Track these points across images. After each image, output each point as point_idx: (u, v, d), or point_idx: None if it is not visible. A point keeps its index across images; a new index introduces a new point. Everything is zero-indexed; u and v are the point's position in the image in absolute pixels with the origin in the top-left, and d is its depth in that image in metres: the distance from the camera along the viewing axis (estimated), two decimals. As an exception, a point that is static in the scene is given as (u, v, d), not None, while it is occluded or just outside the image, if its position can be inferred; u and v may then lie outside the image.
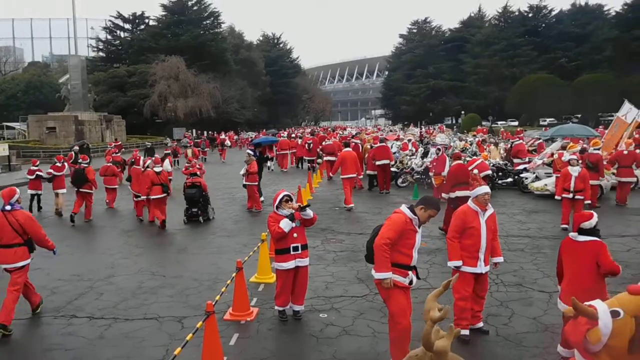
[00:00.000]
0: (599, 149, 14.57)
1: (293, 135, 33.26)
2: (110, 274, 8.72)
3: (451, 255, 5.81)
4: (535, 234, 10.97)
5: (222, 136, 44.07)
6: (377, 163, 17.02)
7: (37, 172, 14.80)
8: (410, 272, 5.07)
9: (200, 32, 65.84)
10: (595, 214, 5.12)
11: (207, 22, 69.83)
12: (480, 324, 6.02)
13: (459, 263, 5.73)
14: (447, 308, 2.37)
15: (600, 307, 2.50)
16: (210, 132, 55.39)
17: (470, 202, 5.90)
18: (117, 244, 11.04)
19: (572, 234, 5.15)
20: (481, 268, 5.74)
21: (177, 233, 11.99)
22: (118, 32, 71.69)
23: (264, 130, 54.63)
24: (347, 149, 15.64)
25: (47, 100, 55.88)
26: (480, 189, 5.86)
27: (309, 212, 6.27)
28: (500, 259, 6.08)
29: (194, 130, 56.10)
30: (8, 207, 6.65)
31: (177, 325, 6.42)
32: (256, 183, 14.67)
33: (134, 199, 14.06)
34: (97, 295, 7.63)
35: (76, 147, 23.81)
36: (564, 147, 16.91)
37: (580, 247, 5.02)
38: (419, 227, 5.08)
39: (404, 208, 5.11)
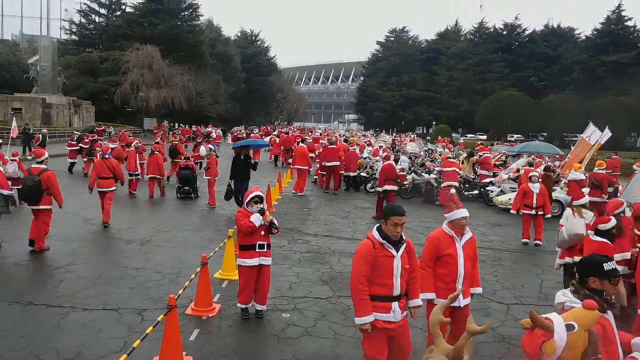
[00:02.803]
0: (603, 169, 14.98)
1: (275, 133, 34.81)
2: (70, 261, 8.53)
3: (423, 287, 4.93)
4: (497, 247, 11.20)
5: (209, 128, 44.96)
6: (327, 164, 17.76)
7: (74, 147, 20.99)
8: (394, 304, 4.34)
9: (178, 23, 64.81)
10: (613, 219, 6.19)
11: (185, 13, 68.82)
12: None
13: (431, 296, 5.02)
14: (490, 322, 2.29)
15: (556, 320, 2.59)
16: (182, 124, 54.69)
17: (444, 226, 5.15)
18: (78, 232, 10.79)
19: (590, 232, 6.21)
20: (458, 301, 4.91)
21: (142, 224, 11.81)
22: (93, 16, 70.01)
23: (259, 129, 52.85)
24: (302, 144, 18.83)
25: (14, 80, 54.06)
26: (457, 213, 5.06)
27: (274, 231, 6.42)
28: (478, 290, 5.35)
29: (165, 122, 55.20)
30: (107, 156, 11.64)
31: (137, 317, 6.33)
32: (215, 178, 14.63)
33: (131, 178, 15.89)
34: (56, 283, 7.46)
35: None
36: (530, 164, 17.35)
37: (592, 245, 6.17)
38: (396, 251, 4.31)
39: (374, 231, 4.39)
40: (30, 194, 8.87)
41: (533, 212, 11.51)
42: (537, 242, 11.53)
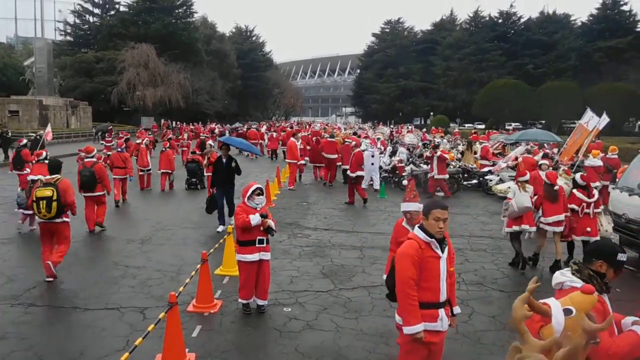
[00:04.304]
0: (616, 155, 15.77)
1: (263, 128, 35.35)
2: (71, 262, 8.53)
3: (387, 268, 5.24)
4: (497, 235, 11.18)
5: (212, 125, 46.45)
6: (326, 156, 18.04)
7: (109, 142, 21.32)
8: (441, 311, 4.00)
9: (172, 21, 64.71)
10: None
11: (179, 10, 68.65)
12: None
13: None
14: (611, 318, 2.11)
15: (554, 305, 2.59)
16: (178, 122, 54.62)
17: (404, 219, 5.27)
18: (78, 232, 10.77)
19: None
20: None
21: (142, 223, 11.82)
22: (87, 16, 69.92)
23: (258, 124, 51.94)
24: (293, 139, 19.01)
25: (10, 82, 54.02)
26: (406, 205, 5.09)
27: (275, 230, 6.42)
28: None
29: (167, 121, 55.14)
30: (120, 149, 14.80)
31: (139, 315, 6.35)
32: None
33: (142, 173, 17.16)
34: (57, 284, 7.47)
35: None
36: (528, 152, 17.37)
37: None
38: (442, 251, 3.99)
39: (416, 230, 4.06)
40: (87, 184, 10.66)
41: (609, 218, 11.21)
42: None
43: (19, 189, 11.22)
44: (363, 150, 16.05)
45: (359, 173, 14.94)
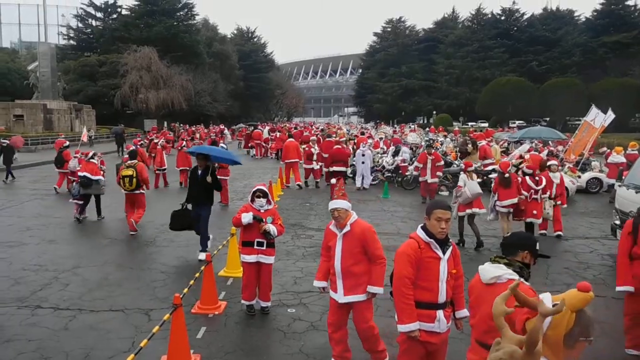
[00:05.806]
0: (636, 150, 16.10)
1: (278, 130, 36.11)
2: (76, 264, 8.58)
3: (317, 275, 5.28)
4: (501, 234, 11.13)
5: (221, 126, 47.36)
6: (324, 156, 18.01)
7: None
8: (438, 312, 3.97)
9: (174, 23, 64.86)
10: None
11: (181, 13, 68.82)
12: None
13: (322, 284, 5.12)
14: (564, 302, 2.16)
15: (546, 298, 2.58)
16: (180, 124, 54.81)
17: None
18: (83, 235, 10.86)
19: None
20: (339, 296, 4.80)
21: (145, 226, 11.83)
22: (89, 20, 70.10)
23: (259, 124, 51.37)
24: (291, 139, 19.15)
25: (14, 87, 54.14)
26: (334, 202, 4.84)
27: (270, 238, 6.26)
28: (360, 298, 4.75)
29: (164, 122, 55.31)
30: (138, 145, 17.50)
31: (144, 317, 6.37)
32: (227, 177, 14.55)
33: (158, 172, 18.37)
34: (62, 286, 7.50)
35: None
36: (535, 149, 17.34)
37: None
38: (443, 253, 3.95)
39: (418, 231, 4.01)
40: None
41: (552, 202, 11.07)
42: (559, 233, 10.87)
43: (74, 183, 12.69)
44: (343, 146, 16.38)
45: (335, 168, 15.38)
